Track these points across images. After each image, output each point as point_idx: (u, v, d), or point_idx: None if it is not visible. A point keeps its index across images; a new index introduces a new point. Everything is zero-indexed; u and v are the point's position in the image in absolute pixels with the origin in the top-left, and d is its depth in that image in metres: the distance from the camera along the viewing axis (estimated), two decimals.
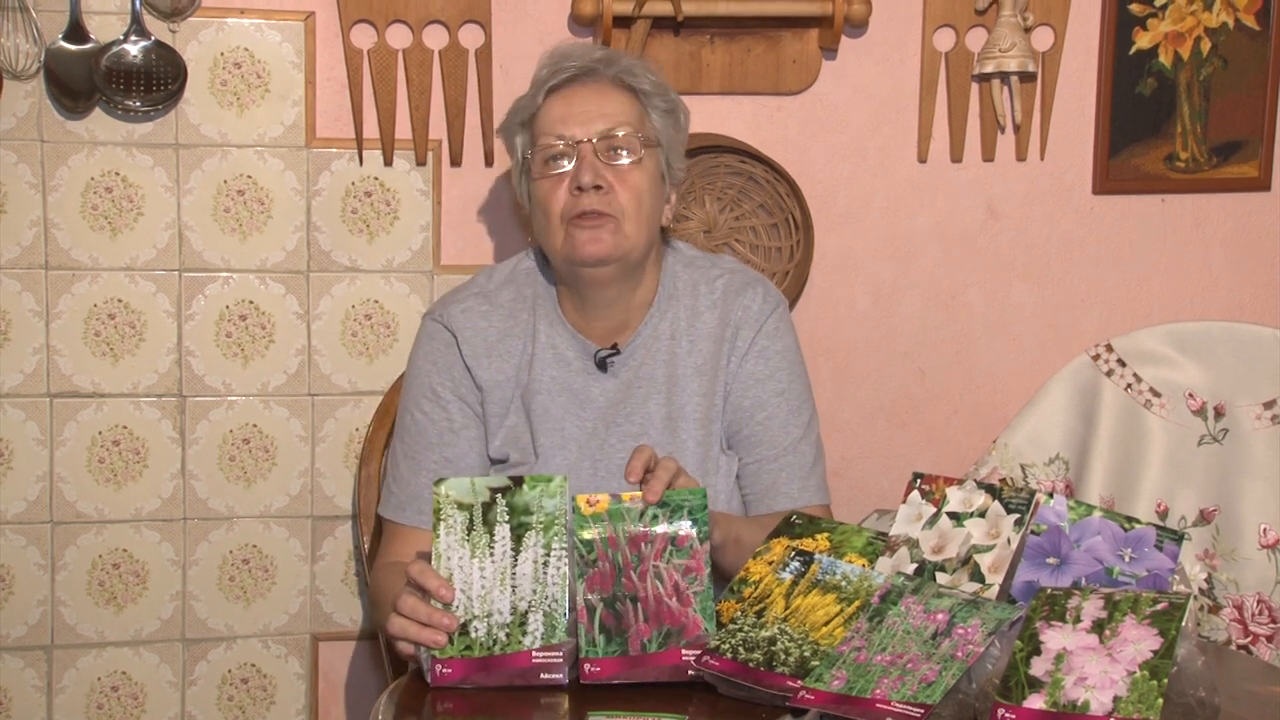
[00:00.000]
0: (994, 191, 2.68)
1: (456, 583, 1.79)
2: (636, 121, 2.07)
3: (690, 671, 1.71)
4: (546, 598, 1.77)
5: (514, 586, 1.78)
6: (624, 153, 2.04)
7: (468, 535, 1.81)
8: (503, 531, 1.80)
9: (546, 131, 2.06)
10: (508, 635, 1.75)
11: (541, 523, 1.80)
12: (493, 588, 1.78)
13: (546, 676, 1.73)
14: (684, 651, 1.72)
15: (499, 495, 1.82)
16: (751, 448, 2.12)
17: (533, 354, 2.10)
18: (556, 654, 1.74)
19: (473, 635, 1.75)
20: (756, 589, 1.78)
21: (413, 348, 2.18)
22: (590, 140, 2.03)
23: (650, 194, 2.07)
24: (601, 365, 2.10)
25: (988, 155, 2.66)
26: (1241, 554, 2.55)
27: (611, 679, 1.72)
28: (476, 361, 2.10)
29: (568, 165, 2.04)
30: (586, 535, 1.79)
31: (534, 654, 1.74)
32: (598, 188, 2.02)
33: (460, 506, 1.82)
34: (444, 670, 1.74)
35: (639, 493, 1.80)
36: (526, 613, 1.76)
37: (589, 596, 1.76)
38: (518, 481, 1.82)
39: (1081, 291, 2.73)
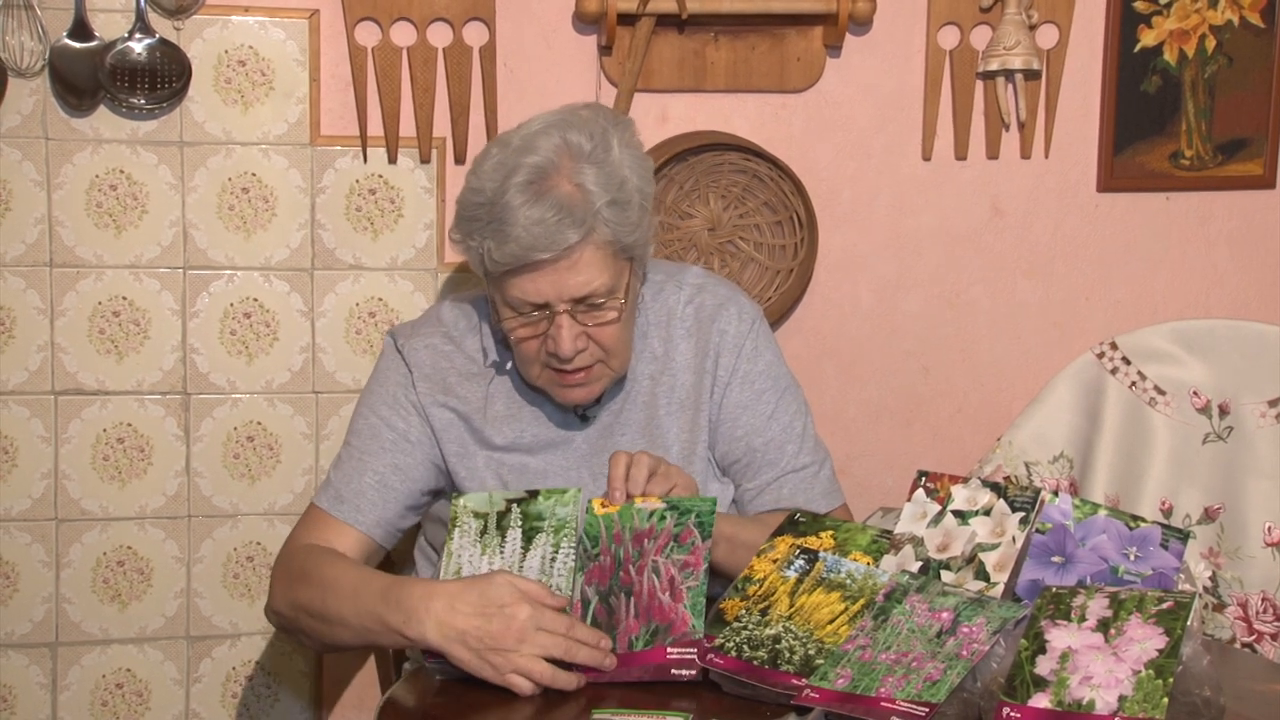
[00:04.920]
0: (998, 189, 2.68)
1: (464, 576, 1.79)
2: (612, 271, 1.92)
3: (673, 671, 1.71)
4: (551, 586, 1.77)
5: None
6: (602, 307, 1.92)
7: (480, 538, 1.82)
8: (514, 534, 1.82)
9: (516, 296, 1.91)
10: None
11: (553, 526, 1.81)
12: None
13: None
14: (669, 650, 1.72)
15: (514, 505, 1.83)
16: (751, 474, 2.08)
17: (505, 412, 2.03)
18: None
19: None
20: (761, 587, 1.78)
21: (376, 363, 2.12)
22: (565, 309, 1.90)
23: (631, 319, 1.99)
24: (583, 417, 2.05)
25: (992, 153, 2.65)
26: (1246, 552, 2.55)
27: (598, 678, 1.73)
28: (431, 398, 2.04)
29: (543, 322, 1.92)
30: (593, 531, 1.80)
31: None
32: (579, 350, 1.92)
33: (476, 515, 1.83)
34: None
35: (654, 497, 1.82)
36: None
37: (586, 589, 1.77)
38: (533, 494, 1.84)
39: (1086, 289, 2.73)
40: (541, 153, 1.89)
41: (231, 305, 2.48)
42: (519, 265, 1.88)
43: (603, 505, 1.82)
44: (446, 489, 2.06)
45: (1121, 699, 1.47)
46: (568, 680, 1.71)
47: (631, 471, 1.83)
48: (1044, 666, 1.53)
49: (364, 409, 2.08)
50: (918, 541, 1.79)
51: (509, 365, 2.05)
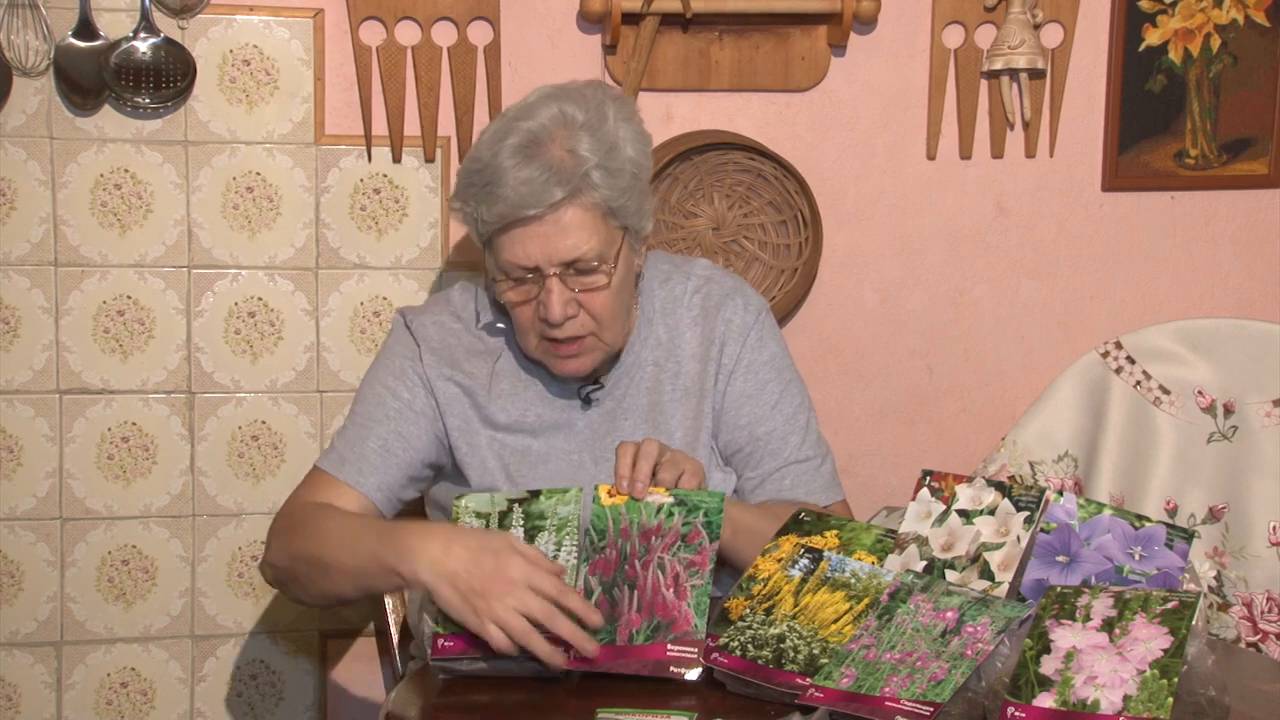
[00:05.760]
0: (1003, 189, 2.68)
1: None
2: (602, 236, 1.94)
3: (671, 669, 1.71)
4: None
5: None
6: (592, 272, 1.94)
7: None
8: (517, 533, 1.81)
9: (507, 259, 1.94)
10: None
11: (555, 525, 1.81)
12: None
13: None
14: (669, 647, 1.72)
15: (516, 505, 1.83)
16: (754, 463, 2.09)
17: (510, 390, 2.05)
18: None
19: None
20: (765, 586, 1.78)
21: (385, 340, 2.13)
22: (555, 272, 1.93)
23: (624, 290, 2.00)
24: (586, 400, 2.06)
25: (997, 152, 2.65)
26: (1251, 551, 2.55)
27: (594, 668, 1.72)
28: (437, 371, 2.04)
29: (534, 287, 1.95)
30: (600, 524, 1.80)
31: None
32: (570, 317, 1.95)
33: (478, 516, 1.83)
34: (445, 644, 1.74)
35: (660, 489, 1.82)
36: None
37: (589, 579, 1.77)
38: (534, 494, 1.84)
39: (1090, 289, 2.73)
40: (537, 119, 1.93)
41: (236, 304, 2.48)
42: (507, 223, 1.92)
43: (609, 494, 1.82)
44: (447, 466, 2.07)
45: (1126, 699, 1.47)
46: (548, 651, 1.69)
47: (638, 465, 1.83)
48: (1049, 666, 1.53)
49: (370, 379, 2.10)
50: (922, 541, 1.78)
51: (500, 325, 2.07)
